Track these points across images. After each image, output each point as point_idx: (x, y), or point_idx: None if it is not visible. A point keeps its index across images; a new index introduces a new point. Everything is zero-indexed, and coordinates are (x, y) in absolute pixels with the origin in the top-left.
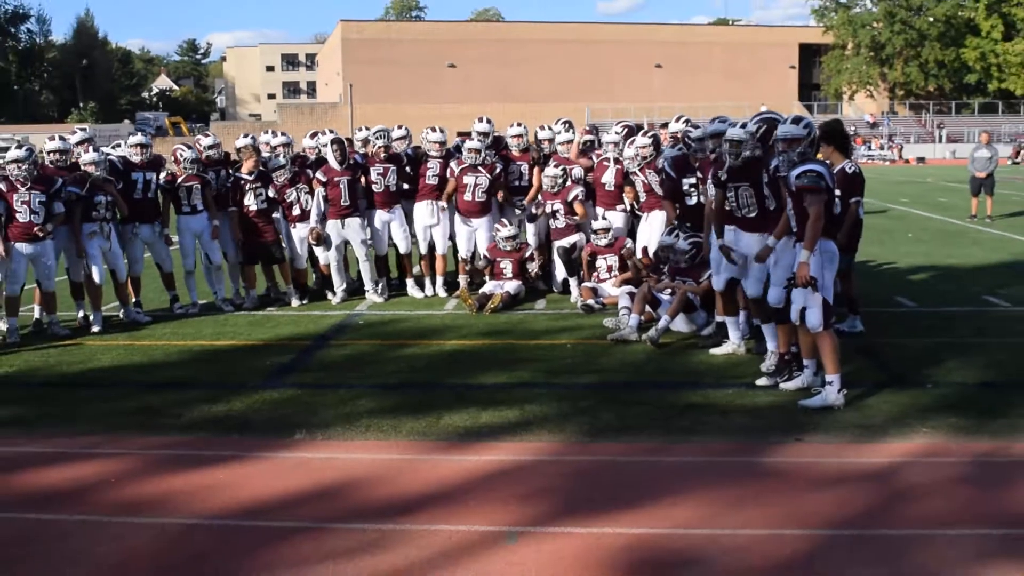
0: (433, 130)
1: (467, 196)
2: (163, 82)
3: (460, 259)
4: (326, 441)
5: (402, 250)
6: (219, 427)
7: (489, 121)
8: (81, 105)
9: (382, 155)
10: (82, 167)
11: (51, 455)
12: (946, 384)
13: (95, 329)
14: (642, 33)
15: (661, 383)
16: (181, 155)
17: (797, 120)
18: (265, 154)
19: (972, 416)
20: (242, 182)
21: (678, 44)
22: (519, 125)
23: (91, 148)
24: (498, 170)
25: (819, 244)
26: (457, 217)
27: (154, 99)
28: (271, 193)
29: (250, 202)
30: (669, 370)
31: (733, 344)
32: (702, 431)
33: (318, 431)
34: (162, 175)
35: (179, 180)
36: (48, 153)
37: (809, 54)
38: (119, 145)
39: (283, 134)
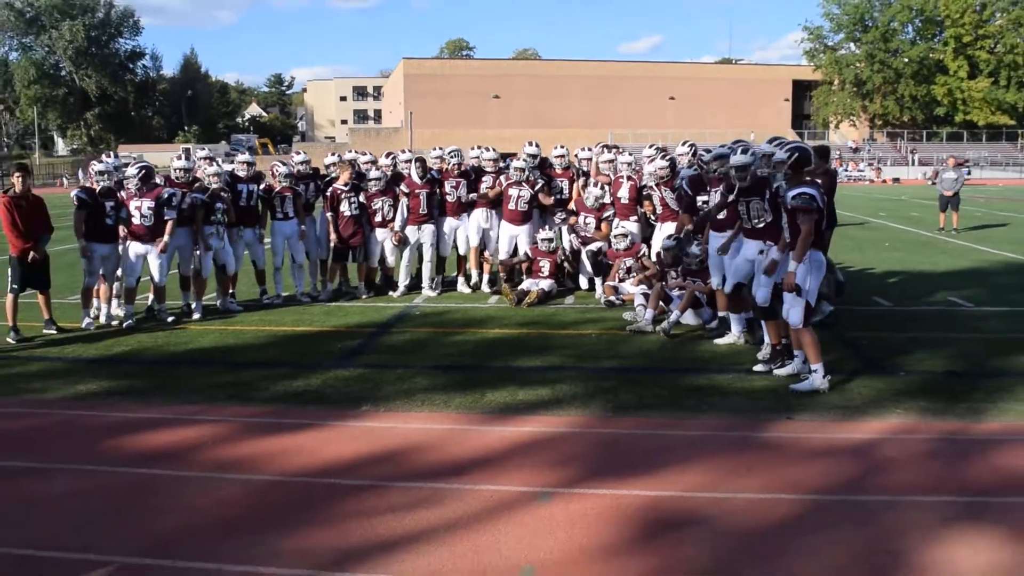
0: (487, 150)
1: (511, 206)
2: (254, 109)
3: (499, 262)
4: (388, 413)
5: (461, 251)
6: (298, 400)
7: (537, 145)
8: (186, 128)
9: (456, 171)
10: (206, 178)
11: (158, 420)
12: (917, 372)
13: (196, 316)
14: (658, 70)
15: (672, 368)
16: (277, 170)
17: (781, 145)
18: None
19: (939, 400)
20: (339, 192)
21: (689, 80)
22: (561, 147)
23: (214, 163)
24: (539, 185)
25: (808, 254)
26: (503, 224)
27: (246, 123)
28: (361, 199)
29: (345, 209)
30: (679, 357)
31: (734, 336)
32: (707, 409)
33: (381, 404)
34: (261, 186)
35: (275, 191)
36: (174, 170)
37: (801, 89)
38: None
39: (368, 153)
